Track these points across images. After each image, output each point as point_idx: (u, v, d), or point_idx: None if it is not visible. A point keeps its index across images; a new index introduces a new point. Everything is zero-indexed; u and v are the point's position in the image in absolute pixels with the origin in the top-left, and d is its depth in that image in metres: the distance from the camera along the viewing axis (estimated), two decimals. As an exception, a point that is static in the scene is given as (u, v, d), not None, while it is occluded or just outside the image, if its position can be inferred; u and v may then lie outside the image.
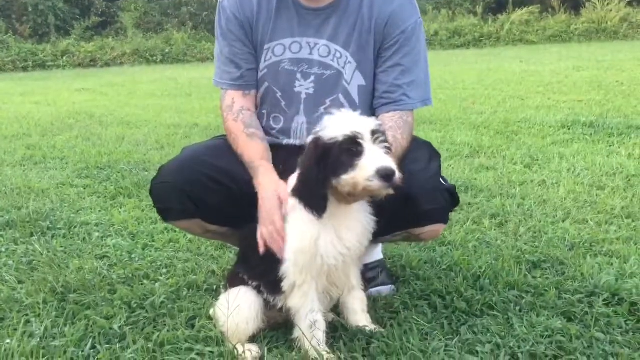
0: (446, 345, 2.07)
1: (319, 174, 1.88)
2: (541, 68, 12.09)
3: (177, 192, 2.30)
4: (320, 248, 1.98)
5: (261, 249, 2.12)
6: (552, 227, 3.28)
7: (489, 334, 2.15)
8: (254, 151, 2.31)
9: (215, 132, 6.36)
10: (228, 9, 2.44)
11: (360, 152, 1.84)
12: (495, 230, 3.30)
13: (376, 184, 1.81)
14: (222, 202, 2.32)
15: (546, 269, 2.73)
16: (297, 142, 2.45)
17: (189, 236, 3.32)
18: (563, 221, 3.38)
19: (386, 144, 1.88)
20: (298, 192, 1.97)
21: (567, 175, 4.29)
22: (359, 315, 2.21)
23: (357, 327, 2.18)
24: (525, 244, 3.04)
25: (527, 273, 2.66)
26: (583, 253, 2.90)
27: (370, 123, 1.89)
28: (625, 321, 2.22)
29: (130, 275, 2.80)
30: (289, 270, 2.04)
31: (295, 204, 2.00)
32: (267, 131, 2.47)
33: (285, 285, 2.06)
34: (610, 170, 4.38)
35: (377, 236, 2.19)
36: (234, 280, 2.25)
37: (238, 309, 2.09)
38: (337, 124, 1.89)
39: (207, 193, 2.30)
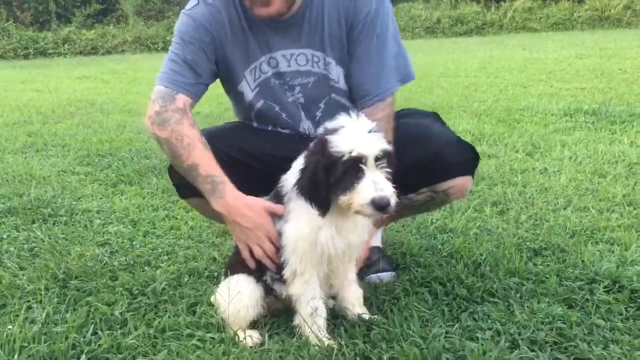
0: (447, 332, 2.07)
1: (325, 180, 1.89)
2: (544, 56, 12.04)
3: None
4: (320, 238, 2.00)
5: (251, 265, 2.18)
6: (553, 215, 3.28)
7: (489, 321, 2.15)
8: (213, 164, 2.23)
9: (217, 121, 6.37)
10: (200, 19, 2.33)
11: (360, 176, 1.85)
12: (496, 217, 3.29)
13: (369, 212, 1.85)
14: (239, 178, 2.27)
15: (547, 256, 2.73)
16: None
17: (190, 223, 3.33)
18: (564, 209, 3.38)
19: (387, 169, 1.89)
20: (304, 189, 1.95)
21: (568, 163, 4.28)
22: (357, 308, 2.23)
23: (357, 316, 2.20)
24: (526, 231, 3.04)
25: (527, 260, 2.67)
26: (584, 240, 2.90)
27: (376, 146, 1.86)
28: (626, 308, 2.22)
29: (132, 262, 2.81)
30: (290, 258, 2.05)
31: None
32: None
33: (286, 273, 2.07)
34: (612, 158, 4.37)
35: (402, 194, 2.14)
36: (234, 267, 2.25)
37: (238, 296, 2.10)
38: (345, 138, 1.87)
39: (225, 170, 2.26)
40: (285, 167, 2.11)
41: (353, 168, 1.84)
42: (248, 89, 2.44)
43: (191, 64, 2.33)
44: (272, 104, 2.45)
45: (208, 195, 2.22)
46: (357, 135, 1.87)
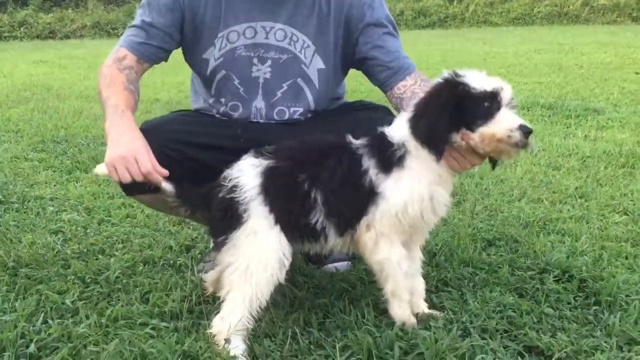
0: (400, 320, 2.09)
1: (450, 119, 1.91)
2: (504, 50, 12.22)
3: None
4: (436, 199, 2.01)
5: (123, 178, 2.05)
6: (507, 206, 3.34)
7: (443, 310, 2.18)
8: (125, 100, 2.25)
9: (176, 107, 6.26)
10: None
11: (498, 109, 1.89)
12: (453, 208, 3.32)
13: (517, 137, 1.86)
14: (189, 174, 2.20)
15: (500, 247, 2.78)
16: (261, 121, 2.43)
17: (147, 211, 3.28)
18: (519, 200, 3.44)
19: (515, 111, 1.95)
20: (422, 133, 1.94)
21: (524, 156, 4.35)
22: (421, 303, 2.19)
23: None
24: (481, 222, 3.09)
25: (482, 250, 2.71)
26: (536, 231, 2.96)
27: (510, 88, 1.94)
28: (574, 297, 2.28)
29: (85, 250, 2.76)
30: (388, 219, 1.97)
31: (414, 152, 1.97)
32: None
33: (365, 238, 2.01)
34: (567, 151, 4.47)
35: None
36: None
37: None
38: (481, 77, 1.95)
39: (174, 166, 2.18)
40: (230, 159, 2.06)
41: (492, 103, 1.89)
42: (212, 58, 2.40)
43: (146, 27, 2.36)
44: (233, 76, 2.41)
45: (106, 117, 2.23)
46: (489, 78, 1.96)
